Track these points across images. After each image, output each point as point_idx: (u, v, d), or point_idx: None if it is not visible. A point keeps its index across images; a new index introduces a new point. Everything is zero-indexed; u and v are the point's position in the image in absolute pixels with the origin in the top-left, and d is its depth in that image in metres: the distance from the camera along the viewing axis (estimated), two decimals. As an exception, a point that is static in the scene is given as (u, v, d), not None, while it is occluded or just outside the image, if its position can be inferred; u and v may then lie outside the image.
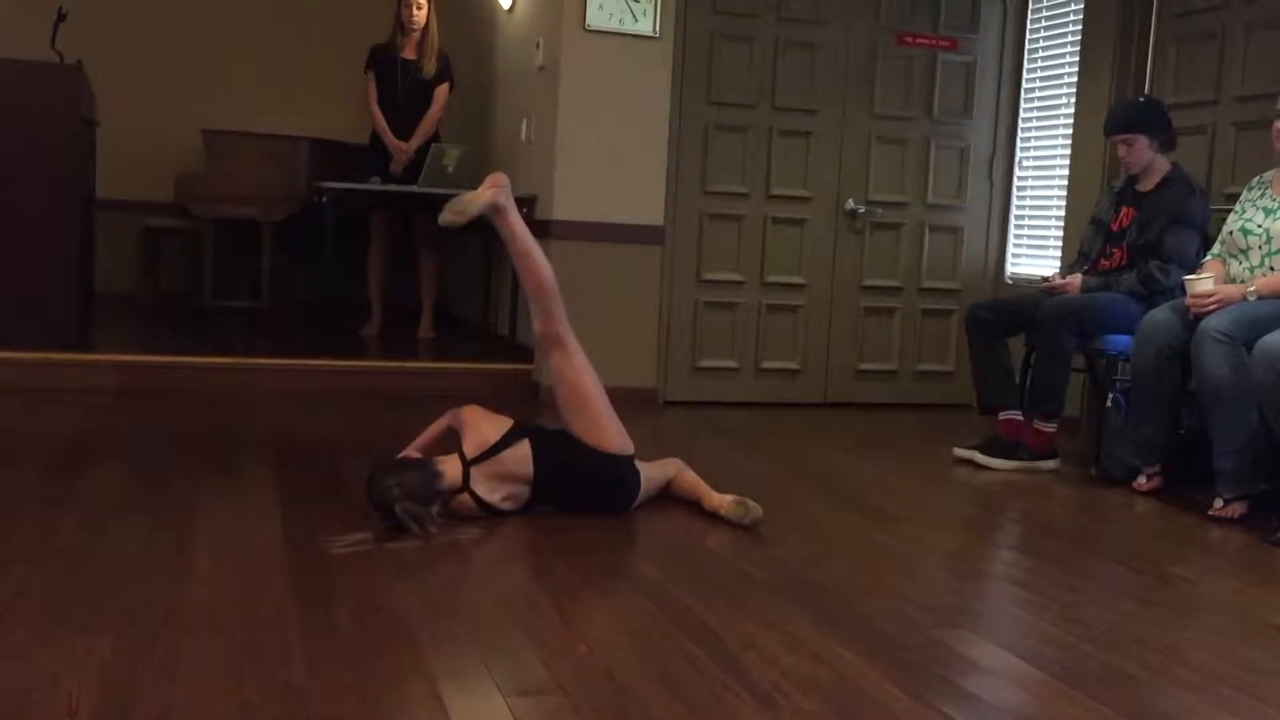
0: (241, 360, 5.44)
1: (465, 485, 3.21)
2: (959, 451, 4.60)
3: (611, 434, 3.41)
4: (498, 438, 3.29)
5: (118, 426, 4.46)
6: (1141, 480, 4.15)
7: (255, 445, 4.23)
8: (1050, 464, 4.48)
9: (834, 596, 2.82)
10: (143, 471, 3.70)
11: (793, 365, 5.83)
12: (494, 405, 5.34)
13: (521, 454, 3.28)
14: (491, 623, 2.50)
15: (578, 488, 3.36)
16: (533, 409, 5.39)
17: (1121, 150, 4.47)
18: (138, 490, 3.46)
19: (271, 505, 3.33)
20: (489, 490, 3.24)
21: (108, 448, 4.06)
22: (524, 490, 3.31)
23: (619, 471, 3.42)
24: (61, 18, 5.40)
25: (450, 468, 3.23)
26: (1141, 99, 4.71)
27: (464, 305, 7.48)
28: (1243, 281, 3.96)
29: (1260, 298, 3.85)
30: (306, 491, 3.53)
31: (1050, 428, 4.47)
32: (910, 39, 5.85)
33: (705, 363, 5.72)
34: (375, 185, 6.11)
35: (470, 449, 3.26)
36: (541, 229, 5.57)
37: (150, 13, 7.61)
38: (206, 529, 3.07)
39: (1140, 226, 4.44)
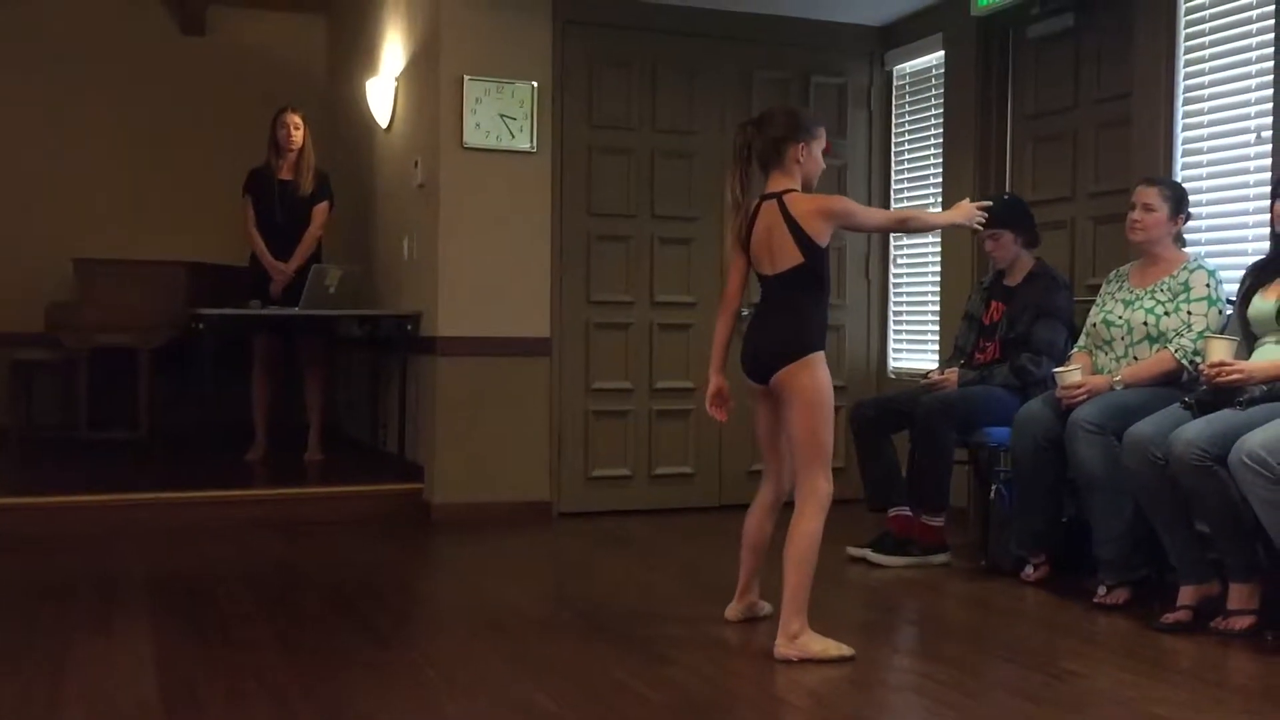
0: (120, 496, 5.25)
1: None
2: (852, 550, 4.64)
3: None
4: None
5: (-16, 577, 4.26)
6: (1029, 570, 4.22)
7: (134, 589, 4.06)
8: (941, 558, 4.54)
9: (731, 718, 2.79)
10: (12, 625, 3.52)
11: (686, 469, 5.84)
12: (386, 528, 5.31)
13: None
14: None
15: None
16: (425, 529, 5.30)
17: (989, 245, 4.64)
18: (5, 646, 3.28)
19: (148, 660, 3.18)
20: None
21: (-27, 602, 3.86)
22: None
23: None
24: (-79, 154, 5.26)
25: None
26: (1006, 195, 4.90)
27: (353, 424, 7.36)
28: (1109, 372, 4.10)
29: (1126, 386, 3.99)
30: (188, 639, 3.39)
31: (938, 521, 4.54)
32: (782, 145, 6.01)
33: (598, 472, 5.70)
34: (255, 310, 6.01)
35: None
36: (426, 346, 5.56)
37: (15, 142, 7.46)
38: (77, 690, 2.92)
39: (1010, 320, 4.59)
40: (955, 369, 4.65)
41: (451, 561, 4.85)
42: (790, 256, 3.38)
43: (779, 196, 3.42)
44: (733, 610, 3.67)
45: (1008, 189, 5.29)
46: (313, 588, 4.20)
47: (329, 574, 4.40)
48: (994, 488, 4.47)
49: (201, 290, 6.61)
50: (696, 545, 5.11)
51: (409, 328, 5.80)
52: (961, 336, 4.83)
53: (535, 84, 5.51)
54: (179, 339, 6.55)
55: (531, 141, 5.52)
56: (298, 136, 6.20)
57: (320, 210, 6.26)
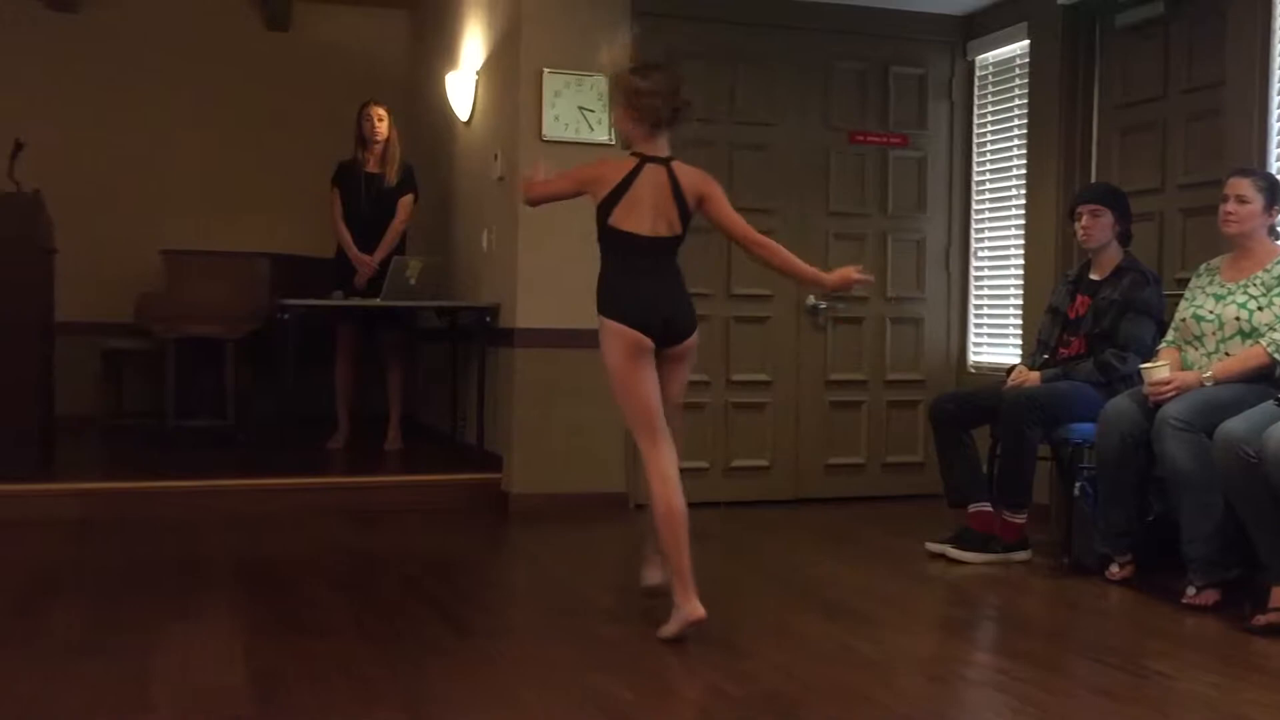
0: (206, 483, 5.38)
1: None
2: (931, 546, 4.59)
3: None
4: None
5: (79, 558, 4.39)
6: (1114, 569, 4.14)
7: (221, 574, 4.16)
8: (1022, 555, 4.47)
9: (810, 713, 2.78)
10: (102, 609, 3.62)
11: (762, 463, 5.83)
12: (463, 517, 5.37)
13: None
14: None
15: None
16: (502, 519, 5.36)
17: (1085, 221, 4.49)
18: (96, 630, 3.37)
19: (235, 644, 3.26)
20: None
21: (67, 583, 3.98)
22: None
23: None
24: (19, 148, 5.42)
25: None
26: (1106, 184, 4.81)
27: (431, 414, 7.45)
28: (1199, 368, 4.01)
29: (1216, 383, 3.89)
30: (272, 625, 3.46)
31: (1020, 518, 4.47)
32: (861, 137, 5.96)
33: (674, 464, 5.69)
34: (338, 300, 6.11)
35: None
36: (505, 337, 5.61)
37: (106, 138, 7.65)
38: (164, 671, 2.99)
39: (1096, 315, 4.49)
40: (1037, 372, 4.54)
41: (528, 551, 4.89)
42: (671, 226, 3.45)
43: (668, 163, 3.47)
44: (656, 576, 3.62)
45: (1093, 180, 5.19)
46: (392, 575, 4.27)
47: (408, 562, 4.46)
48: (1078, 485, 4.38)
49: (285, 281, 6.73)
50: (773, 538, 5.09)
51: (488, 319, 5.85)
52: (1045, 330, 4.74)
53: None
54: (263, 329, 6.68)
55: (610, 134, 5.52)
56: (382, 129, 6.28)
57: (405, 203, 6.34)
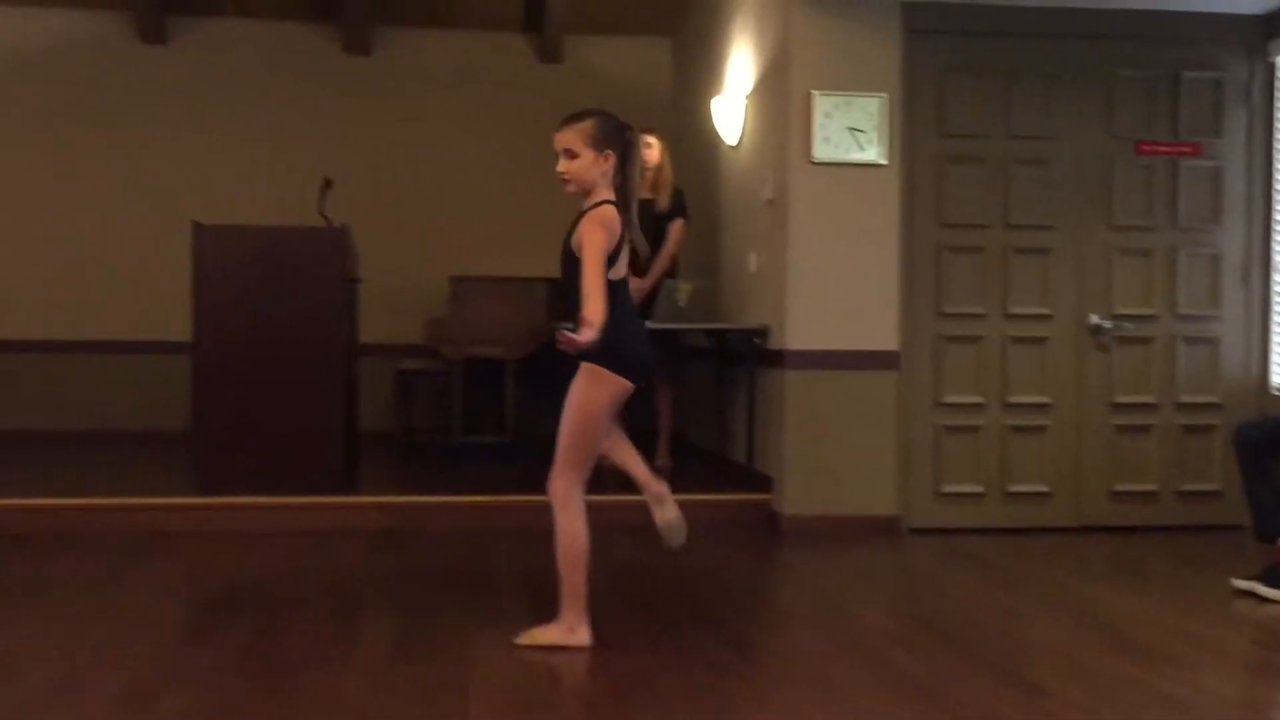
0: (493, 498, 5.67)
1: None
2: (1238, 583, 4.31)
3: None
4: None
5: (384, 568, 4.70)
6: None
7: (515, 586, 4.37)
8: (1342, 595, 4.15)
9: (1120, 756, 2.68)
10: (412, 617, 3.87)
11: (1042, 488, 5.63)
12: (735, 536, 5.43)
13: None
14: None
15: None
16: (774, 540, 5.39)
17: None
18: (410, 637, 3.62)
19: (542, 655, 3.42)
20: None
21: (377, 591, 4.28)
22: None
23: None
24: (328, 185, 5.88)
25: None
26: None
27: (698, 433, 7.57)
28: None
29: None
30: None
31: (1339, 555, 4.15)
32: (1149, 148, 5.68)
33: (949, 487, 5.59)
34: (611, 322, 6.31)
35: None
36: (774, 358, 5.65)
37: (399, 172, 8.22)
38: (479, 680, 3.17)
39: None
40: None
41: (804, 573, 4.90)
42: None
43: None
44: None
45: None
46: (675, 594, 4.37)
47: (687, 580, 4.56)
48: None
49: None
50: (1055, 567, 4.91)
51: (756, 341, 5.91)
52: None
53: (885, 96, 5.48)
54: (541, 350, 6.98)
55: (880, 153, 5.49)
56: (652, 154, 6.45)
57: (677, 227, 6.49)
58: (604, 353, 3.33)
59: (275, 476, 5.50)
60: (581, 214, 3.47)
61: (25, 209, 8.11)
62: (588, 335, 3.20)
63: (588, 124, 3.44)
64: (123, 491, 5.74)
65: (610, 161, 3.45)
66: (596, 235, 3.34)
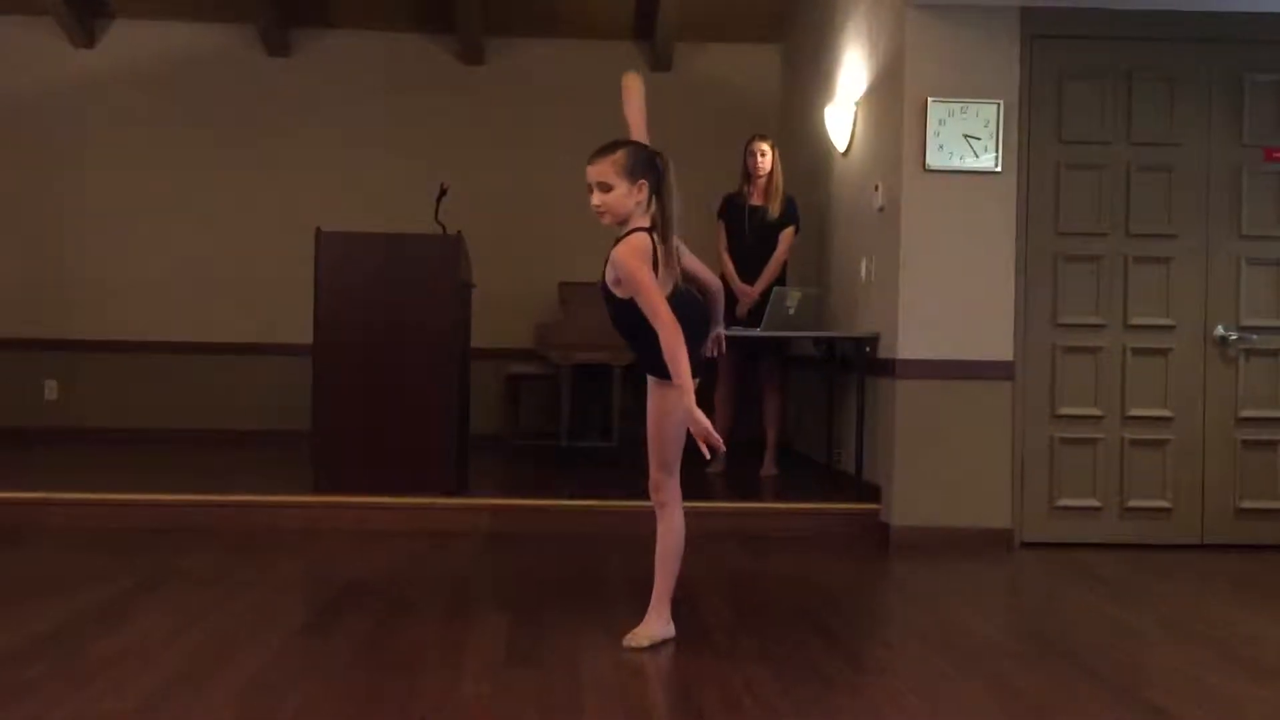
0: (600, 503, 5.73)
1: None
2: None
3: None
4: None
5: (495, 570, 4.79)
6: None
7: (623, 589, 4.40)
8: None
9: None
10: (524, 618, 3.93)
11: (1163, 504, 5.48)
12: (844, 546, 5.40)
13: None
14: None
15: None
16: (882, 550, 5.34)
17: None
18: (523, 638, 3.67)
19: (654, 658, 3.45)
20: None
21: (489, 593, 4.37)
22: None
23: None
24: (444, 192, 6.00)
25: None
26: None
27: (805, 441, 7.54)
28: None
29: None
30: (685, 643, 3.60)
31: None
32: (1278, 154, 5.50)
33: (1064, 501, 5.47)
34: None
35: None
36: (885, 368, 5.60)
37: (517, 184, 8.34)
38: (593, 682, 3.21)
39: None
40: None
41: (914, 585, 4.85)
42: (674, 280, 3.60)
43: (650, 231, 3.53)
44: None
45: None
46: (782, 602, 4.36)
47: (795, 589, 4.55)
48: None
49: (669, 311, 7.05)
50: (1176, 585, 4.78)
51: (866, 349, 5.87)
52: None
53: (1001, 102, 5.40)
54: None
55: (996, 161, 5.41)
56: (766, 163, 6.48)
57: (787, 234, 6.50)
58: (663, 367, 3.42)
59: (389, 477, 5.63)
60: (616, 240, 3.51)
61: (157, 217, 8.42)
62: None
63: (619, 155, 3.49)
64: (247, 489, 5.94)
65: (644, 191, 3.49)
66: (631, 266, 3.39)
